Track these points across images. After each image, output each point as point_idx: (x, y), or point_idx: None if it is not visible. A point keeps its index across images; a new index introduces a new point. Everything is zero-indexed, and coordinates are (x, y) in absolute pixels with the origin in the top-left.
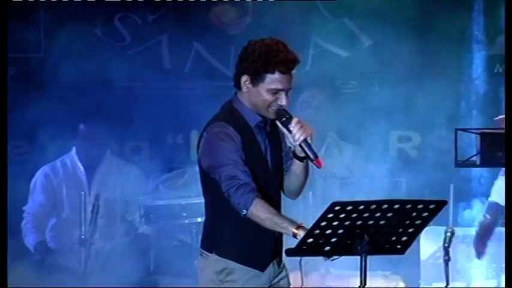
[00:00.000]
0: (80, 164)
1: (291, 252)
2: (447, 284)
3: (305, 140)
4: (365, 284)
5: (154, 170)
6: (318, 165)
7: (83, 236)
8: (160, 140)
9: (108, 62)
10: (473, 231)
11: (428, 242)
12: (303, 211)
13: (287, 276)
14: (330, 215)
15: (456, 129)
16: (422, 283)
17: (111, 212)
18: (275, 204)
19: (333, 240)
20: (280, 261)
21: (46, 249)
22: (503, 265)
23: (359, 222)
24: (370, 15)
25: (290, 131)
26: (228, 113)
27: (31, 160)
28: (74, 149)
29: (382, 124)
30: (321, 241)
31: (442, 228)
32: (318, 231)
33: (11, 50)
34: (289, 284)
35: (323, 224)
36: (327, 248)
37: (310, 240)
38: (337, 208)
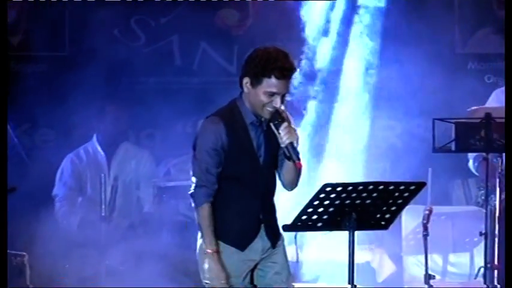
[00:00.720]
0: (100, 150)
1: (287, 228)
2: (426, 255)
3: (291, 143)
4: (353, 255)
5: (166, 155)
6: (298, 167)
7: (103, 214)
8: (172, 128)
9: (125, 59)
10: (448, 209)
11: (409, 219)
12: (299, 191)
13: (280, 253)
14: (322, 195)
15: (434, 119)
16: (403, 255)
17: (128, 192)
18: (260, 194)
19: (325, 217)
20: (275, 240)
21: (92, 225)
22: (476, 239)
23: (347, 201)
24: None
25: (279, 133)
26: (228, 109)
27: (56, 146)
28: (94, 137)
29: (371, 115)
30: (313, 218)
31: (421, 207)
32: (311, 209)
33: (42, 49)
34: (284, 260)
35: (316, 203)
36: (319, 224)
37: (305, 217)
38: (328, 189)
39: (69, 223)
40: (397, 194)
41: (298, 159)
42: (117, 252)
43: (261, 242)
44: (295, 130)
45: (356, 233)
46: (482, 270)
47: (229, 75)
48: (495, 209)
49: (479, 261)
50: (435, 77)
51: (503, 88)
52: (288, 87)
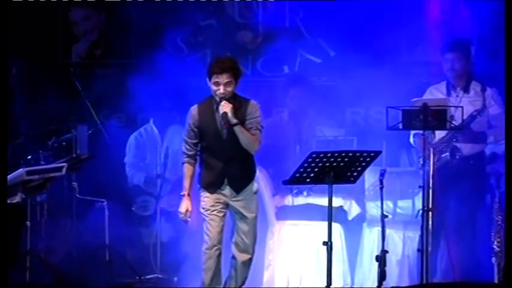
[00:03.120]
0: (155, 129)
1: (285, 183)
2: (382, 201)
3: (225, 113)
4: (331, 201)
5: None
6: (226, 127)
7: (158, 172)
8: None
9: (173, 64)
10: (397, 169)
11: (370, 176)
12: (293, 158)
13: (249, 199)
14: (310, 160)
15: (387, 107)
16: (366, 201)
17: (175, 157)
18: (224, 161)
19: (311, 175)
20: (238, 189)
21: (151, 180)
22: (416, 190)
23: (327, 164)
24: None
25: (219, 108)
26: (207, 99)
27: (126, 127)
28: (151, 120)
29: (342, 104)
30: (304, 175)
31: (378, 168)
32: (302, 170)
33: (115, 57)
34: (251, 202)
35: (305, 165)
36: (308, 180)
37: (297, 175)
38: (314, 155)
39: (137, 180)
40: (361, 159)
41: (230, 123)
42: (168, 199)
43: (227, 189)
44: (229, 105)
45: (334, 186)
46: (420, 212)
47: (245, 77)
48: (429, 169)
49: (418, 205)
50: (388, 76)
51: (435, 85)
52: (228, 78)
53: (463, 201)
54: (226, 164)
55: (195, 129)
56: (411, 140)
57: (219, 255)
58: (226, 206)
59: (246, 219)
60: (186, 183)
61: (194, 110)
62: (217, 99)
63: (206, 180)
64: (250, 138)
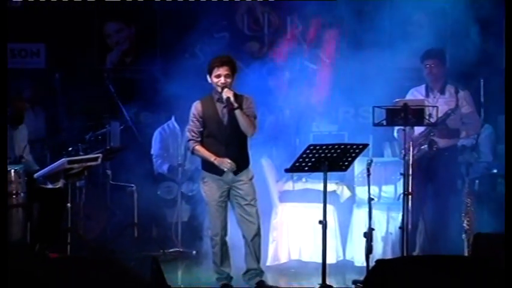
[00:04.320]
0: (176, 125)
1: (287, 171)
2: (369, 186)
3: (228, 98)
4: (326, 186)
5: None
6: (231, 107)
7: (179, 162)
8: None
9: (190, 70)
10: (381, 159)
11: (359, 165)
12: (293, 150)
13: (246, 183)
14: (307, 151)
15: (373, 107)
16: (355, 186)
17: None
18: (225, 145)
19: (309, 164)
20: (237, 171)
21: (173, 169)
22: (398, 177)
23: (323, 154)
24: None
25: (222, 93)
26: (209, 95)
27: (151, 123)
28: (173, 117)
29: (335, 104)
30: (303, 164)
31: (366, 158)
32: (301, 159)
33: (142, 64)
34: (250, 188)
35: (304, 156)
36: (306, 168)
37: (297, 164)
38: (311, 148)
39: (162, 169)
40: (351, 150)
41: (231, 106)
42: (188, 184)
43: (230, 173)
44: (231, 92)
45: (328, 174)
46: (401, 195)
47: (253, 81)
48: (410, 159)
49: (400, 190)
50: (374, 81)
51: (416, 88)
52: (227, 71)
53: (438, 187)
54: (227, 148)
55: (200, 119)
56: (395, 134)
57: (224, 241)
58: (228, 195)
59: (247, 203)
60: (209, 153)
61: (197, 103)
62: (219, 89)
63: (208, 162)
64: (248, 121)
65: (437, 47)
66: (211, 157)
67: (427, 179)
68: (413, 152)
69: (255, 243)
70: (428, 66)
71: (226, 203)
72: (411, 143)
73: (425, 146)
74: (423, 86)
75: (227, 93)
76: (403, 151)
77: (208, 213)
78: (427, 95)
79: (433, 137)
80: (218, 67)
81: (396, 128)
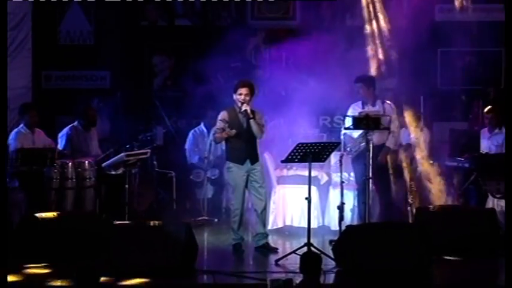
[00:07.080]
0: (204, 128)
1: (282, 162)
2: (341, 172)
3: (245, 110)
4: (310, 172)
5: None
6: (248, 117)
7: (206, 155)
8: None
9: (214, 91)
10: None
11: (334, 157)
12: (285, 148)
13: (259, 171)
14: (297, 148)
15: (344, 115)
16: (331, 172)
17: (215, 146)
18: (245, 143)
19: (298, 157)
20: (253, 162)
21: (201, 160)
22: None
23: (308, 150)
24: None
25: (241, 107)
26: (232, 106)
27: (186, 128)
28: (202, 123)
29: (315, 112)
30: (294, 157)
31: (339, 153)
32: (293, 153)
33: (180, 85)
34: (261, 175)
35: (294, 151)
36: (296, 160)
37: (290, 157)
38: (300, 145)
39: (193, 160)
40: (329, 147)
41: (249, 117)
42: (212, 171)
43: (247, 163)
44: (248, 106)
45: (312, 164)
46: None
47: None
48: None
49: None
50: (343, 97)
51: (355, 103)
52: (248, 91)
53: (381, 172)
54: (246, 145)
55: (226, 124)
56: (342, 137)
57: (242, 214)
58: (246, 180)
59: (260, 186)
60: (224, 133)
61: (225, 112)
62: (239, 104)
63: (233, 155)
64: (259, 128)
65: (366, 74)
66: (225, 134)
67: (374, 167)
68: (354, 148)
69: (263, 214)
70: (356, 88)
71: (246, 185)
72: (353, 142)
73: (364, 143)
74: (360, 102)
75: (246, 107)
76: (348, 148)
77: (233, 193)
78: (363, 107)
79: (368, 136)
80: (241, 87)
81: (343, 132)
